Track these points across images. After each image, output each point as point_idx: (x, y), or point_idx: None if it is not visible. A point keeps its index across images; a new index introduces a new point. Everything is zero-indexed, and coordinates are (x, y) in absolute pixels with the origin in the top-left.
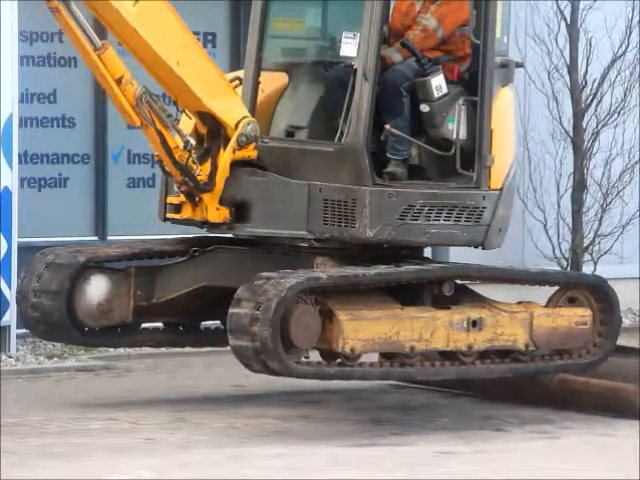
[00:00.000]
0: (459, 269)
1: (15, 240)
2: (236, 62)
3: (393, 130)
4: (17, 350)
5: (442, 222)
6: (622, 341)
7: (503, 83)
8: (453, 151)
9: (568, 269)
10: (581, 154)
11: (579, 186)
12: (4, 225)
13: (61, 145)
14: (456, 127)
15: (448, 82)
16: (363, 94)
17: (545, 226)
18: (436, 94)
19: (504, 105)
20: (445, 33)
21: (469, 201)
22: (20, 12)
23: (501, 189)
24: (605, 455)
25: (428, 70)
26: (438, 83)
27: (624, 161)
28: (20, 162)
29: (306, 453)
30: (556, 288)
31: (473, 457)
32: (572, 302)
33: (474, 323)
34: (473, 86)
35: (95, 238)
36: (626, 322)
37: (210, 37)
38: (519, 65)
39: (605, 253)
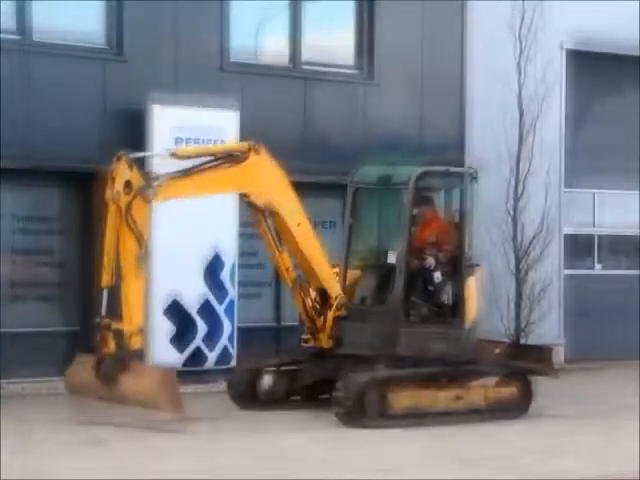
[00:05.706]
0: (454, 369)
1: (236, 324)
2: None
3: (415, 300)
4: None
5: (439, 344)
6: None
7: (469, 274)
8: (445, 309)
9: (514, 338)
10: (519, 282)
11: (518, 299)
12: (230, 316)
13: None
14: (446, 297)
15: (442, 274)
16: (398, 281)
17: (501, 318)
18: (436, 281)
19: (470, 286)
20: (440, 256)
21: (453, 334)
22: None
23: (470, 328)
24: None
25: (434, 269)
26: (437, 275)
27: (542, 286)
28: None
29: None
30: (500, 377)
31: None
32: (508, 384)
33: (458, 397)
34: (455, 276)
35: (275, 324)
36: None
37: (333, 223)
38: (477, 265)
39: (531, 332)
